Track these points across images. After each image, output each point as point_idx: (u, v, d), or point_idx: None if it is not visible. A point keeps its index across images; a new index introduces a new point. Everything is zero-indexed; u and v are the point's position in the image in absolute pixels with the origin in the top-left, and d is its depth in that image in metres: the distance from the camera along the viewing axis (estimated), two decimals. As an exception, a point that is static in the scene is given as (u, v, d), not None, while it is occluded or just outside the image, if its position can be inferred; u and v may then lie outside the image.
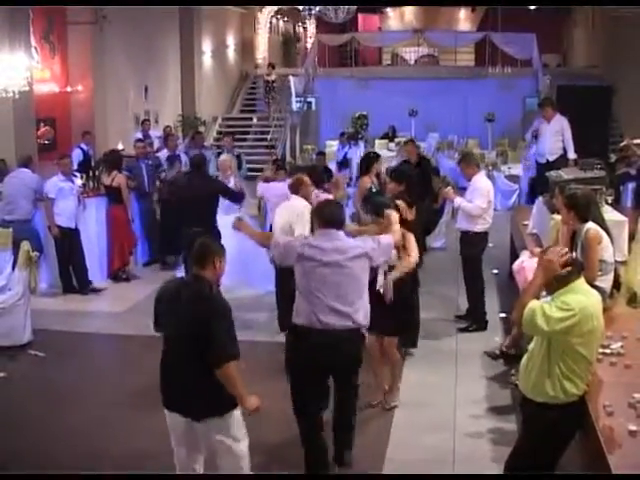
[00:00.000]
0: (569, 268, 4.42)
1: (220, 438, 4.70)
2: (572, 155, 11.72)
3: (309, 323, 5.32)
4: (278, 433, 6.20)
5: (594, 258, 6.11)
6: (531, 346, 4.62)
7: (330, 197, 8.24)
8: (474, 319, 9.02)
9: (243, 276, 9.77)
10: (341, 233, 5.47)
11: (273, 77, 21.80)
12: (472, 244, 8.89)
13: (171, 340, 4.73)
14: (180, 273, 9.37)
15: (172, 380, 4.71)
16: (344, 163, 16.72)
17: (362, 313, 5.41)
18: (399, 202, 6.92)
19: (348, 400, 5.76)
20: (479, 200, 8.64)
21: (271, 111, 21.21)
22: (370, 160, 10.43)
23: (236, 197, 9.99)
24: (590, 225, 6.23)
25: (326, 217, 5.48)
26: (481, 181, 8.87)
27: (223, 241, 7.44)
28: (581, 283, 4.47)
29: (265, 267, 9.47)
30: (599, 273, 6.16)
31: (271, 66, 22.24)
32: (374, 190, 9.50)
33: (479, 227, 8.76)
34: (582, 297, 4.37)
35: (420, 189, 9.06)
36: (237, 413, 4.73)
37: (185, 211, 9.49)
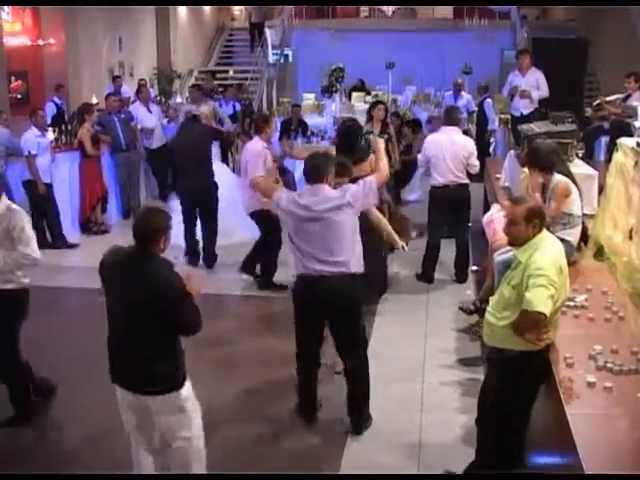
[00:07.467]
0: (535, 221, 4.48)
1: (167, 418, 4.34)
2: (535, 95, 11.66)
3: (303, 272, 5.52)
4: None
5: (556, 209, 6.13)
6: (494, 298, 4.67)
7: None
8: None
9: (240, 221, 9.85)
10: (324, 186, 5.48)
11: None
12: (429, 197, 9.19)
13: (120, 310, 4.41)
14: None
15: (122, 353, 4.45)
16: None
17: (353, 261, 5.48)
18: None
19: (352, 347, 5.72)
20: (420, 154, 9.15)
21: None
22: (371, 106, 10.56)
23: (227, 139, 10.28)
24: (560, 178, 6.23)
25: (309, 172, 5.55)
26: (430, 136, 9.27)
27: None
28: (543, 237, 4.53)
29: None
30: (566, 226, 6.20)
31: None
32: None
33: (432, 181, 8.99)
34: (548, 252, 4.43)
35: None
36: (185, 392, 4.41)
37: (181, 162, 9.72)
